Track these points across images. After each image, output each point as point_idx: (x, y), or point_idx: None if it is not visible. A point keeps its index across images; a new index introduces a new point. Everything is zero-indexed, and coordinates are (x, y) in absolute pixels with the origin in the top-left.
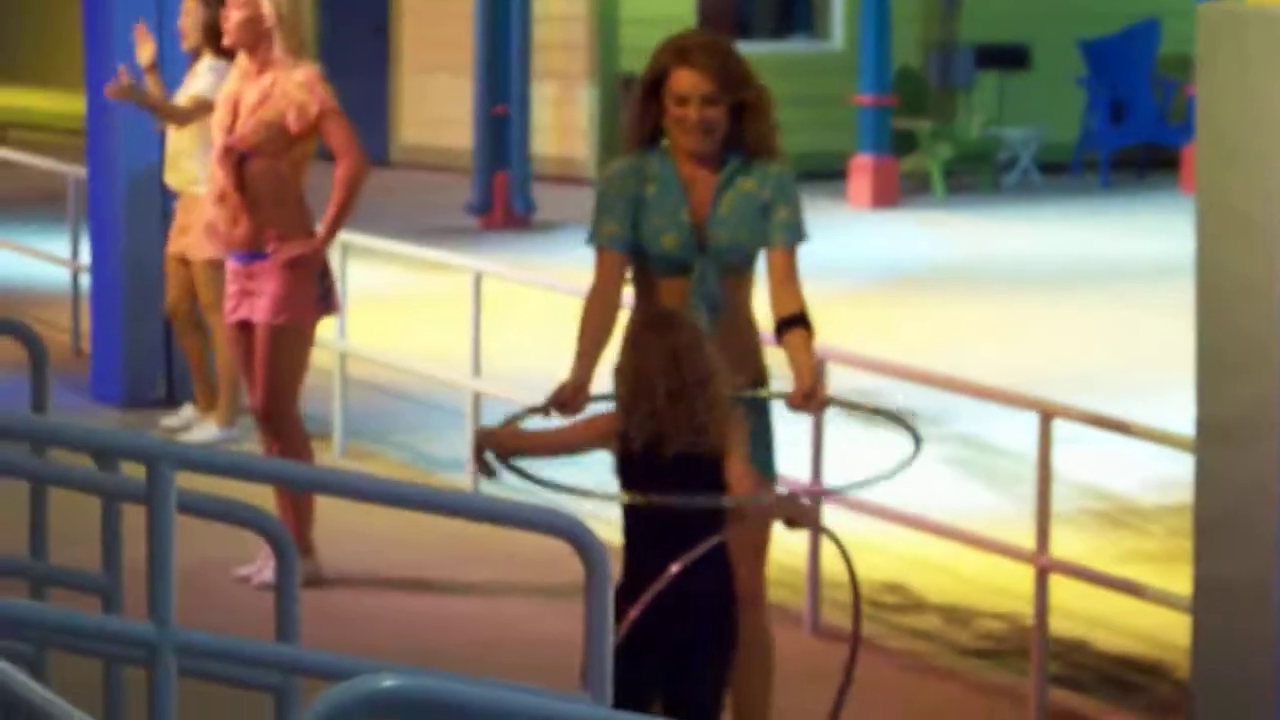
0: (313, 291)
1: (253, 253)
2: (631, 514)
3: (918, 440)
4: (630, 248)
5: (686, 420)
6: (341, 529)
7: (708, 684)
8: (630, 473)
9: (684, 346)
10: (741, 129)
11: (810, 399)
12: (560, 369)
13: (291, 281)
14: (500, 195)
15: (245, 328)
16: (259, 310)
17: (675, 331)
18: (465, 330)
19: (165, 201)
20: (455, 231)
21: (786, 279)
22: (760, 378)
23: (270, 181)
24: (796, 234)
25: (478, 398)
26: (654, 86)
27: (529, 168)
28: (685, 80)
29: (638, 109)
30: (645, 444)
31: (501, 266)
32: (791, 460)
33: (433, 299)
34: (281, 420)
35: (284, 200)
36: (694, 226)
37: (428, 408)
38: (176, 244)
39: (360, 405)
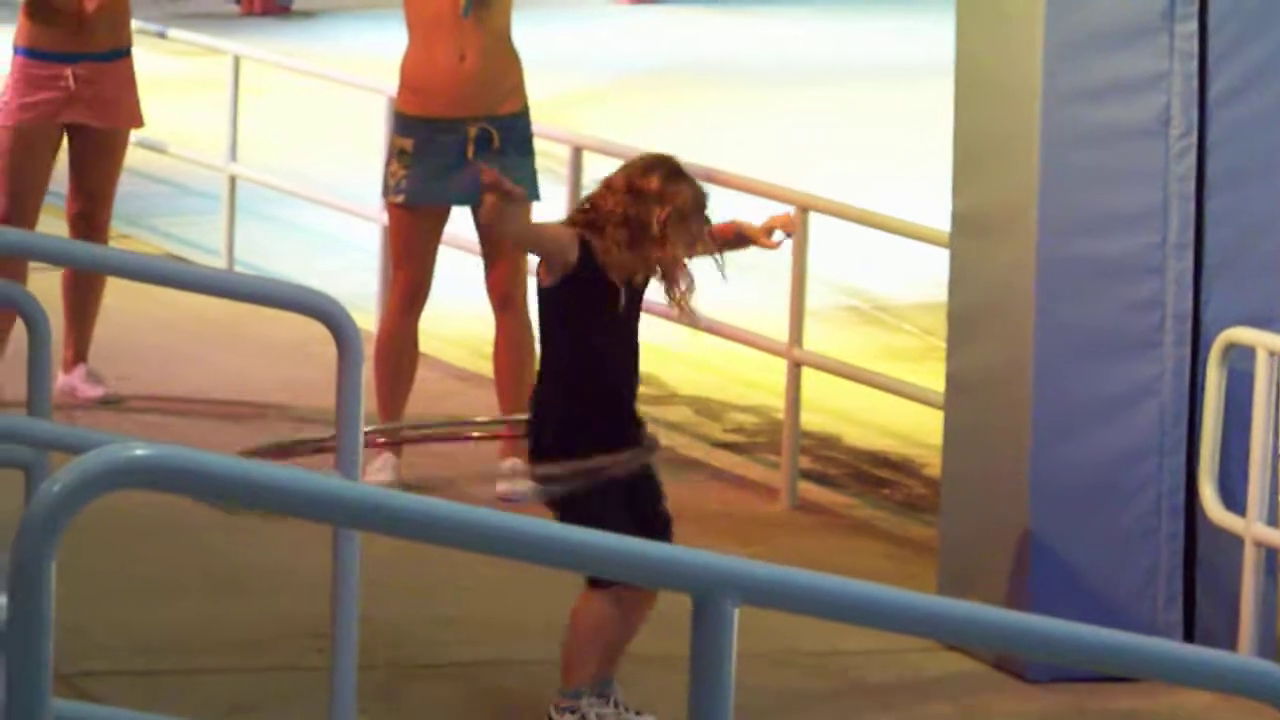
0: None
1: None
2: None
3: None
4: None
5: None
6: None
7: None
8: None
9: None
10: None
11: None
12: (317, 156)
13: None
14: None
15: None
16: None
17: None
18: (223, 115)
19: None
20: (214, 17)
21: None
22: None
23: None
24: None
25: (234, 181)
26: None
27: None
28: None
29: None
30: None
31: (260, 51)
32: None
33: (190, 84)
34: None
35: None
36: None
37: (184, 192)
38: None
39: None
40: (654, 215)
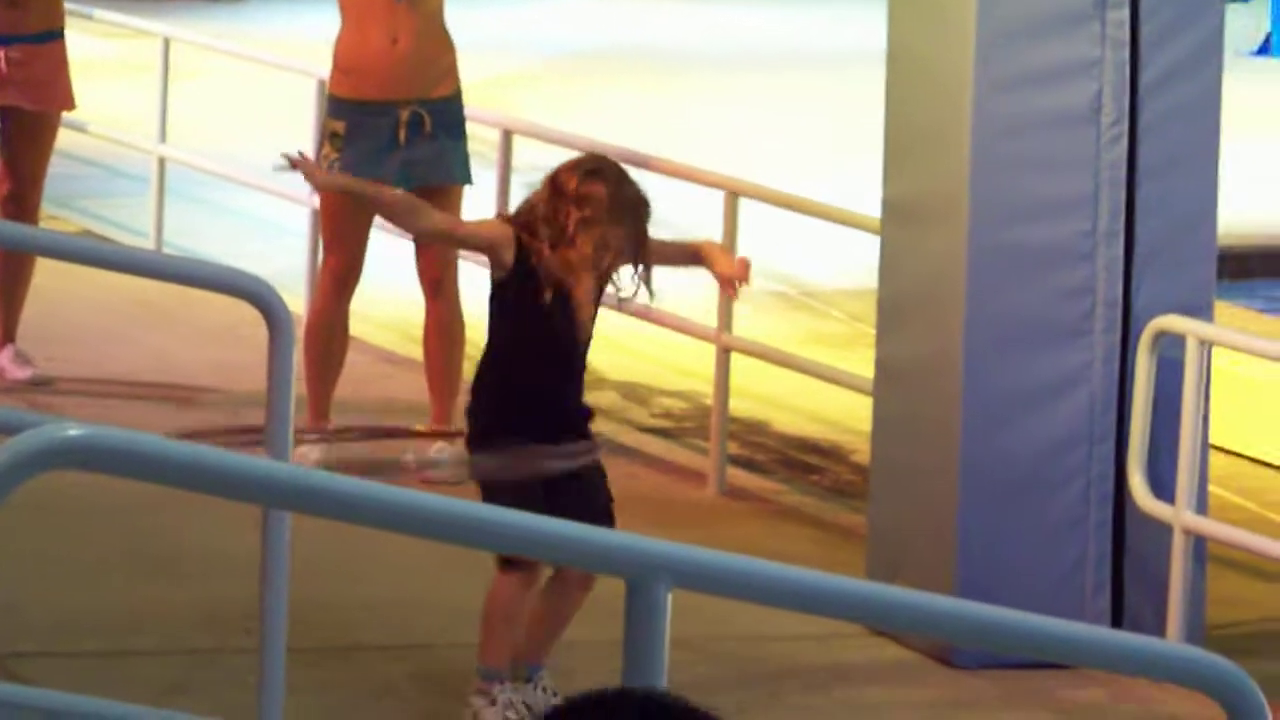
0: None
1: None
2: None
3: None
4: None
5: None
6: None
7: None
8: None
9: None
10: None
11: None
12: (247, 139)
13: None
14: None
15: None
16: None
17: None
18: (153, 97)
19: None
20: None
21: None
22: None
23: None
24: None
25: (163, 164)
26: None
27: None
28: None
29: None
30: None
31: (190, 33)
32: None
33: (119, 65)
34: None
35: None
36: None
37: (114, 174)
38: None
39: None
40: (566, 215)
